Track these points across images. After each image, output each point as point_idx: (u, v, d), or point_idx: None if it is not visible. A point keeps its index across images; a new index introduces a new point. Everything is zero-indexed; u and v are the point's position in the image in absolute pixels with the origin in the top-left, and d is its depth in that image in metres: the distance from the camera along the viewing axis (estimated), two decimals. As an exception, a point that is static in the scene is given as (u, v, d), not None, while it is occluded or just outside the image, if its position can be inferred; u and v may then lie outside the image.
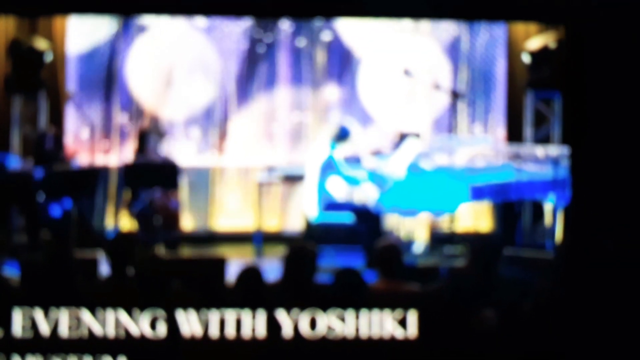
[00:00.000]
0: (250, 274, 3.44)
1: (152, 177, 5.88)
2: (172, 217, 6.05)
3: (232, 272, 3.70)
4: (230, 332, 3.14)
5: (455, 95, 6.06)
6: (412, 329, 3.17)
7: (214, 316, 3.15)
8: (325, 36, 6.59)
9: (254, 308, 3.15)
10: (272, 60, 6.64)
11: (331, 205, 5.42)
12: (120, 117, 6.53)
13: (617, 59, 3.83)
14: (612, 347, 3.40)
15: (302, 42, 6.60)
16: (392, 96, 6.60)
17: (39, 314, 3.12)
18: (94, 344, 3.11)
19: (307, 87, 6.64)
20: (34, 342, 3.10)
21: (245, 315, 3.14)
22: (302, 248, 3.59)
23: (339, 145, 5.36)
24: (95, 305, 3.15)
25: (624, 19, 3.83)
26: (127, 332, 3.12)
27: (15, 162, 6.11)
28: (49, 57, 6.31)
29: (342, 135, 5.42)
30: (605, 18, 3.83)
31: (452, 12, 3.98)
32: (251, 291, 3.38)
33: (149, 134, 6.17)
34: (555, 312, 3.30)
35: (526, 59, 6.43)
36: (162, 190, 5.93)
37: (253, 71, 6.61)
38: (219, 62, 6.57)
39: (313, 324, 3.14)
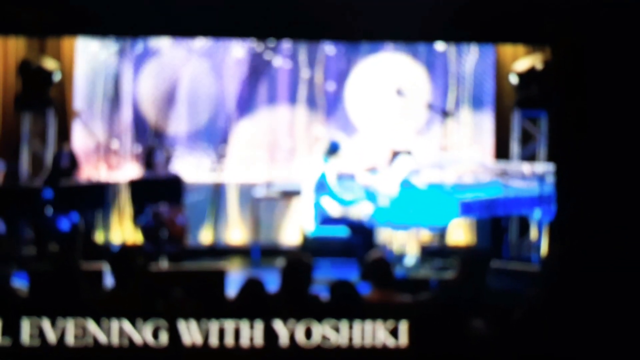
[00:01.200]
0: (253, 286, 3.44)
1: (158, 192, 5.91)
2: (177, 231, 6.06)
3: (232, 284, 3.72)
4: (229, 341, 3.15)
5: (446, 114, 6.07)
6: (404, 339, 3.18)
7: (214, 326, 3.17)
8: (321, 56, 6.62)
9: (256, 318, 3.16)
10: (271, 79, 6.66)
11: (326, 220, 5.43)
12: (127, 134, 6.58)
13: (601, 79, 3.85)
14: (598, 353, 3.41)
15: (300, 60, 6.63)
16: (384, 115, 6.61)
17: (46, 324, 3.13)
18: (99, 352, 3.12)
19: (303, 105, 6.65)
20: (42, 350, 3.11)
21: (244, 325, 3.15)
22: (298, 260, 3.59)
23: (330, 159, 5.39)
24: (100, 315, 3.16)
25: (608, 41, 3.84)
26: (130, 341, 3.14)
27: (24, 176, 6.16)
28: (57, 77, 6.33)
29: (333, 149, 5.45)
30: (590, 40, 3.84)
31: (442, 35, 3.99)
32: (254, 302, 3.38)
33: (155, 150, 6.21)
34: (542, 320, 3.31)
35: (514, 79, 6.44)
36: (167, 204, 5.96)
37: (253, 89, 6.63)
38: (219, 81, 6.60)
39: (308, 334, 3.15)
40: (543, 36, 4.09)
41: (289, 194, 6.15)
